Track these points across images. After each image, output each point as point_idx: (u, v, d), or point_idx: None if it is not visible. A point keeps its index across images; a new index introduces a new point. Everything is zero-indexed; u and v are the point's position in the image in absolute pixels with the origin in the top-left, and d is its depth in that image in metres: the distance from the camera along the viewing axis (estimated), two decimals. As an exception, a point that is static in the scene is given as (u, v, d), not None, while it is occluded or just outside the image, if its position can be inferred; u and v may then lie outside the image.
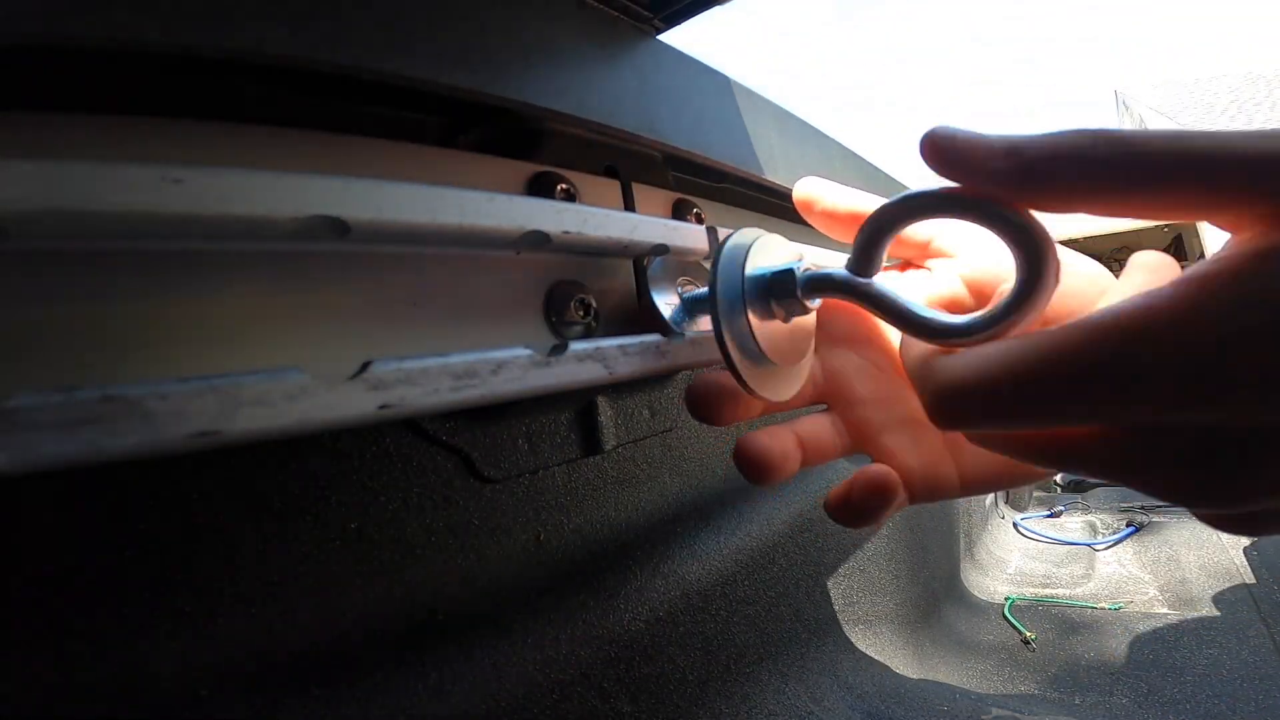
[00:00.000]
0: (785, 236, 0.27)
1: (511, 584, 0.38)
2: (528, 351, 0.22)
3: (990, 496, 1.23)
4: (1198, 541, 0.97)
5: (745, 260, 0.24)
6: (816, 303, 0.25)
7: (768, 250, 0.25)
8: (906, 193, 0.20)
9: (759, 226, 0.26)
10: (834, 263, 0.24)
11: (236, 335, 0.19)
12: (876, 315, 0.22)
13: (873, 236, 0.21)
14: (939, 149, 0.18)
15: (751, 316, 0.24)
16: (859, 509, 0.24)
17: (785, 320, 0.25)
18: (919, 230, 0.27)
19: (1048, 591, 0.93)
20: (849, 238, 0.24)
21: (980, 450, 0.24)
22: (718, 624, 0.49)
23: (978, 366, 0.17)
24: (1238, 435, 0.15)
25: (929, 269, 0.27)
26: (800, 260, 0.25)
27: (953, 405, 0.18)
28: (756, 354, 0.24)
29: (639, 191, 0.36)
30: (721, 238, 0.25)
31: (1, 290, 0.15)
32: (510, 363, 0.21)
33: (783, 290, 0.24)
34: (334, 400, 0.17)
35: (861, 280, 0.22)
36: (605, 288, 0.30)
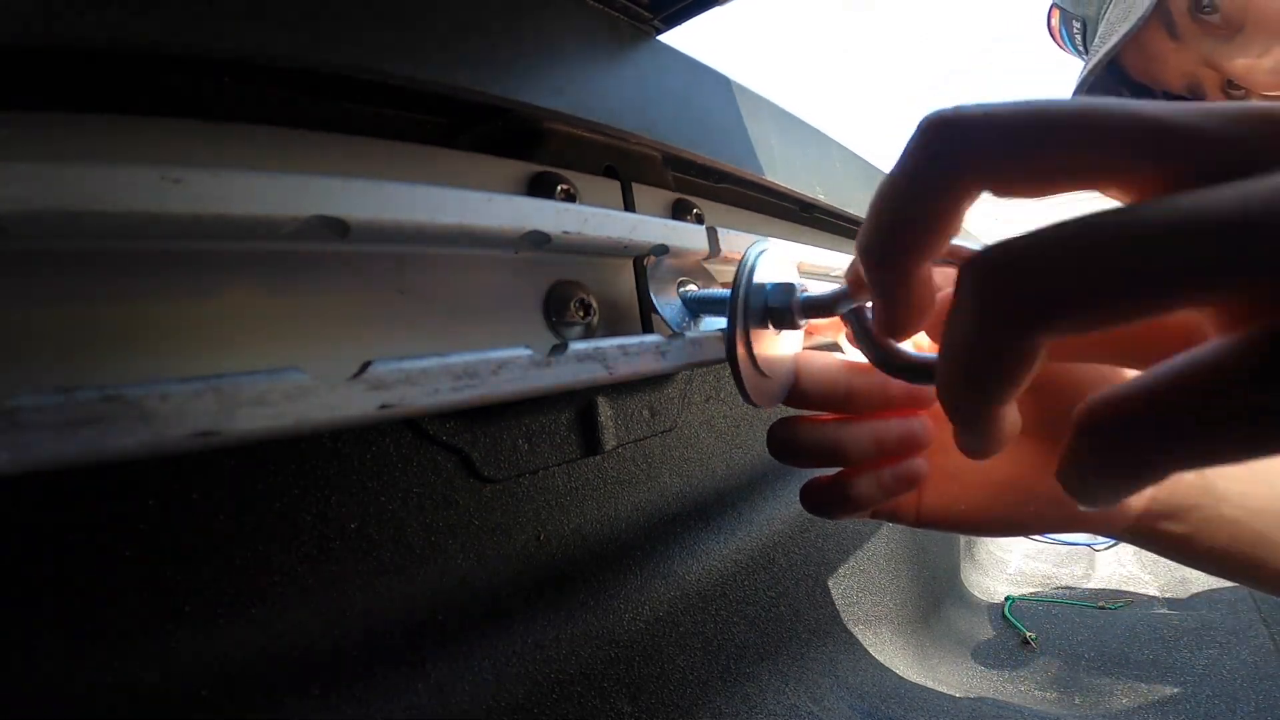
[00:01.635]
0: (784, 237, 0.27)
1: (511, 584, 0.38)
2: (528, 351, 0.22)
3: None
4: (1198, 541, 0.97)
5: (752, 277, 0.25)
6: (805, 320, 0.26)
7: (771, 264, 0.26)
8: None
9: (758, 226, 0.27)
10: (834, 265, 0.25)
11: (237, 335, 0.19)
12: (854, 336, 0.23)
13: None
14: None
15: (754, 332, 0.25)
16: (821, 501, 0.27)
17: (778, 332, 0.26)
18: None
19: (1048, 592, 0.93)
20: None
21: (943, 492, 0.27)
22: (718, 624, 0.49)
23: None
24: None
25: None
26: (799, 281, 0.26)
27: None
28: (757, 368, 0.25)
29: (639, 191, 0.36)
30: (744, 254, 0.25)
31: (1, 290, 0.15)
32: (510, 363, 0.21)
33: (782, 309, 0.25)
34: (334, 400, 0.17)
35: (849, 301, 0.23)
36: (605, 288, 0.30)
